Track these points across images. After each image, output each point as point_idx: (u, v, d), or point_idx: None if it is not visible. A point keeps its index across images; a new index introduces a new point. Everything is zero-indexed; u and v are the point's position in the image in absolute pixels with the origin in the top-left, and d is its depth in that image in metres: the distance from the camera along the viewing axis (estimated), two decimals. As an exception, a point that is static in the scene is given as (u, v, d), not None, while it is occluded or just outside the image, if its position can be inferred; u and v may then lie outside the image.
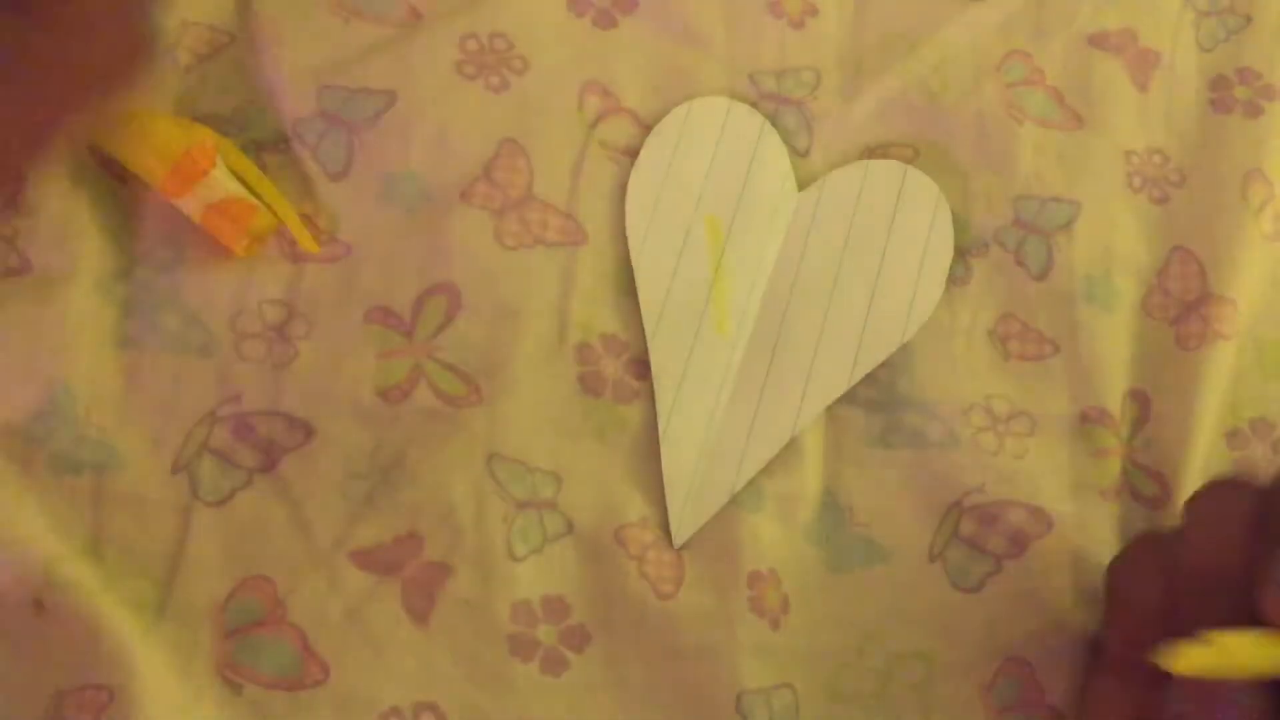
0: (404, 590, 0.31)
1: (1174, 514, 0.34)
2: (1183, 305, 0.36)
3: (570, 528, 0.32)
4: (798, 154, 0.37)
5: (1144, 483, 0.35)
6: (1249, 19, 0.39)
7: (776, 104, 0.37)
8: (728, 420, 0.33)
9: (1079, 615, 0.33)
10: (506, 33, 0.36)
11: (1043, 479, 0.34)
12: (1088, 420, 0.35)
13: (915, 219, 0.36)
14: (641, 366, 0.34)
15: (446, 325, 0.33)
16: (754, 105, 0.37)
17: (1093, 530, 0.34)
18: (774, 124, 0.37)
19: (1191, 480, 0.34)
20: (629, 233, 0.34)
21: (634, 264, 0.34)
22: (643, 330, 0.34)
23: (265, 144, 0.34)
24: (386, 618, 0.30)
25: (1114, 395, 0.35)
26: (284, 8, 0.35)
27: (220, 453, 0.31)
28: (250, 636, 0.30)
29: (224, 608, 0.30)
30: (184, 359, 0.32)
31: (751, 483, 0.33)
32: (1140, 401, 0.35)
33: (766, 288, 0.35)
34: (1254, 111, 0.38)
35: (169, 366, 0.32)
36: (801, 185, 0.37)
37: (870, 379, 0.35)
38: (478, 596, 0.31)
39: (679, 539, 0.32)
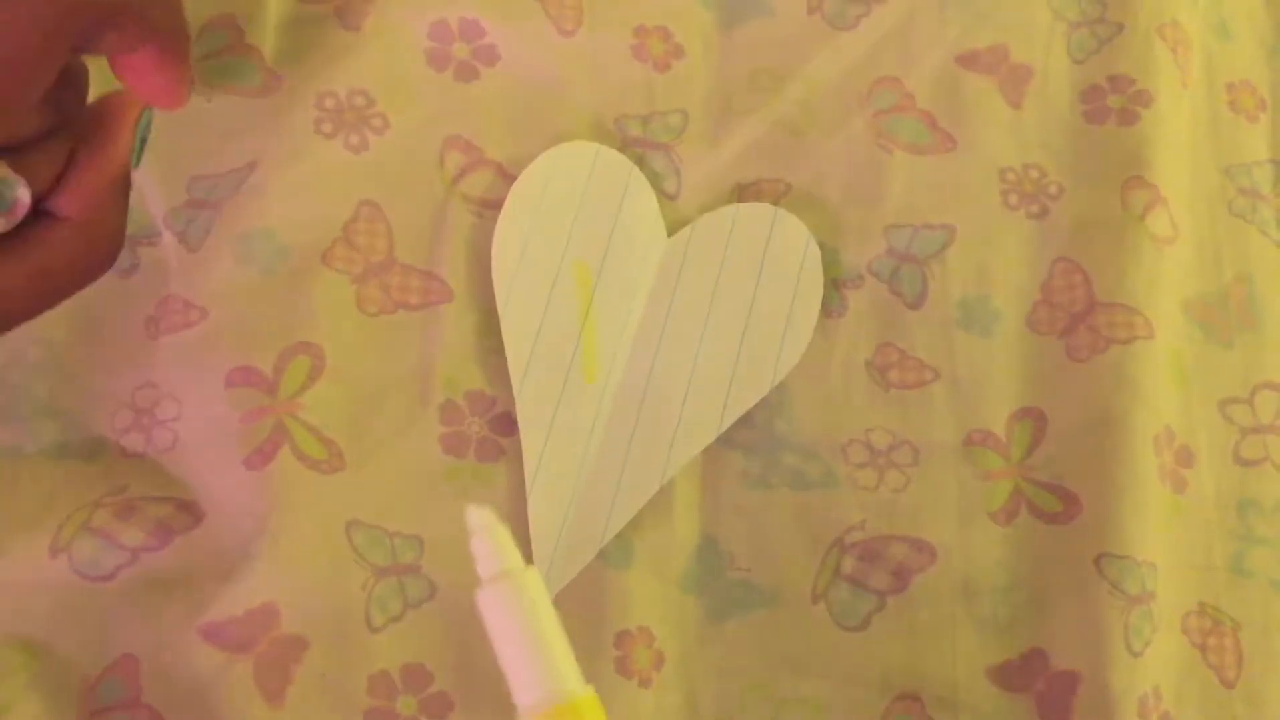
0: (256, 668, 0.30)
1: (1086, 525, 0.33)
2: (1070, 317, 0.36)
3: (433, 592, 0.31)
4: (667, 197, 0.37)
5: (1046, 500, 0.34)
6: (1121, 26, 0.39)
7: (644, 149, 0.37)
8: (596, 471, 0.33)
9: (970, 644, 0.32)
10: (366, 89, 0.36)
11: (925, 510, 0.34)
12: (972, 444, 0.34)
13: (785, 261, 0.36)
14: (508, 422, 0.34)
15: (310, 386, 0.33)
16: (621, 151, 0.37)
17: (979, 556, 0.33)
18: (642, 168, 0.37)
19: (1112, 489, 0.33)
20: (495, 283, 0.34)
21: (500, 315, 0.34)
22: (509, 383, 0.34)
23: (138, 238, 0.34)
24: (238, 697, 0.30)
25: (999, 417, 0.35)
26: None
27: (102, 533, 0.31)
28: (110, 717, 0.30)
29: (94, 687, 0.30)
30: (67, 465, 0.32)
31: (621, 537, 0.33)
32: (1035, 419, 0.35)
33: (636, 334, 0.35)
34: (1129, 119, 0.38)
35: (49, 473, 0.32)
36: (671, 228, 0.37)
37: (747, 420, 0.34)
38: (333, 671, 0.30)
39: (549, 593, 0.32)
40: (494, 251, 0.35)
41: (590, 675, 0.31)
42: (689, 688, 0.32)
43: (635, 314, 0.35)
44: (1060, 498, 0.34)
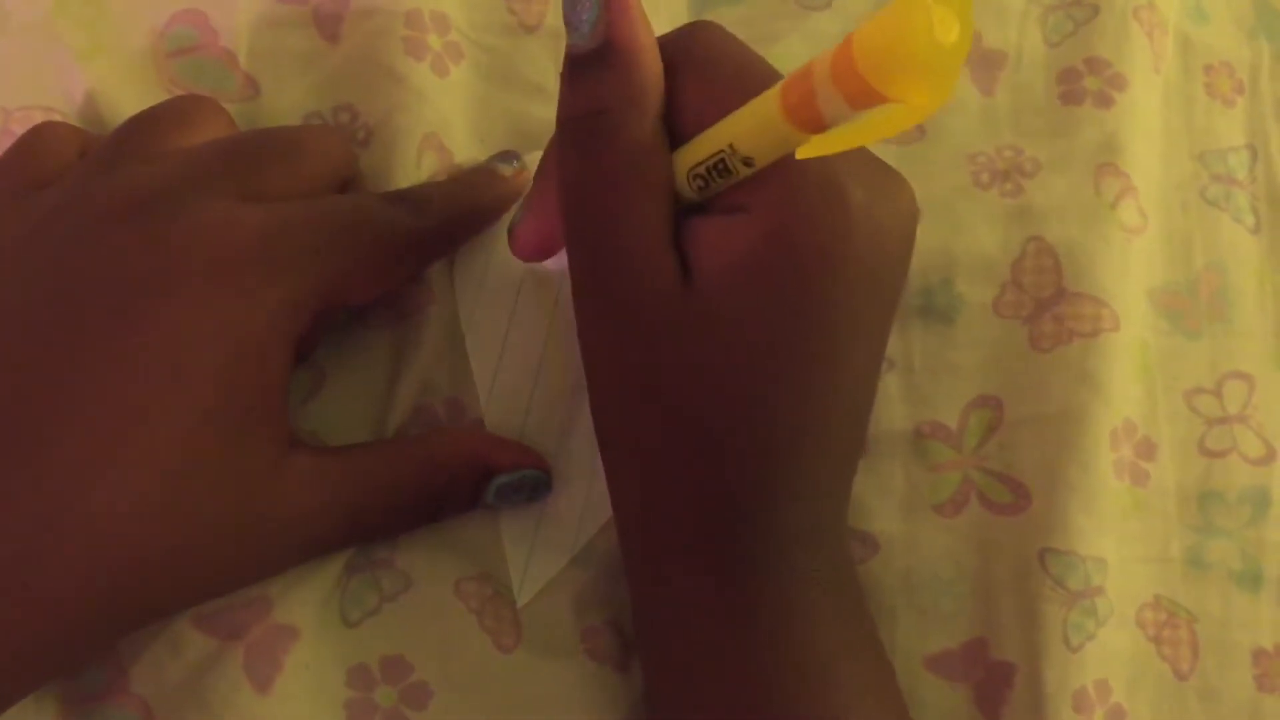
0: (246, 655, 0.32)
1: (1033, 519, 0.35)
2: (1036, 303, 0.37)
3: (409, 584, 0.33)
4: (634, 190, 0.37)
5: (997, 490, 0.35)
6: (1096, 9, 0.39)
7: (610, 142, 0.38)
8: (566, 478, 0.35)
9: (910, 634, 0.34)
10: (350, 103, 0.37)
11: (870, 501, 0.36)
12: (922, 436, 0.35)
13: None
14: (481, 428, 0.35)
15: (310, 399, 0.35)
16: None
17: (924, 548, 0.35)
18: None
19: (1062, 484, 0.34)
20: (458, 296, 0.36)
21: (464, 326, 0.35)
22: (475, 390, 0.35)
23: None
24: (226, 684, 0.32)
25: (953, 407, 0.36)
26: (117, 83, 0.36)
27: None
28: (93, 707, 0.32)
29: (77, 675, 0.32)
30: None
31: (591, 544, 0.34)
32: (992, 407, 0.35)
33: None
34: (1105, 102, 0.38)
35: None
36: (639, 221, 0.37)
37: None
38: (316, 663, 0.32)
39: (523, 599, 0.34)
40: (457, 262, 0.36)
41: (566, 664, 0.33)
42: None
43: None
44: (1010, 489, 0.35)
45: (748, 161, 0.25)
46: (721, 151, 0.26)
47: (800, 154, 0.22)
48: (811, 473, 0.28)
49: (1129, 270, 0.37)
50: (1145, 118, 0.38)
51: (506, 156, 0.36)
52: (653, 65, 0.28)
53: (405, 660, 0.33)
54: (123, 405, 0.27)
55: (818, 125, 0.23)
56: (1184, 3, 0.41)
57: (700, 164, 0.26)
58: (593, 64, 0.27)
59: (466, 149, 0.37)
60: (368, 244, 0.31)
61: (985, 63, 0.39)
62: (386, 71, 0.37)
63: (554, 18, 0.39)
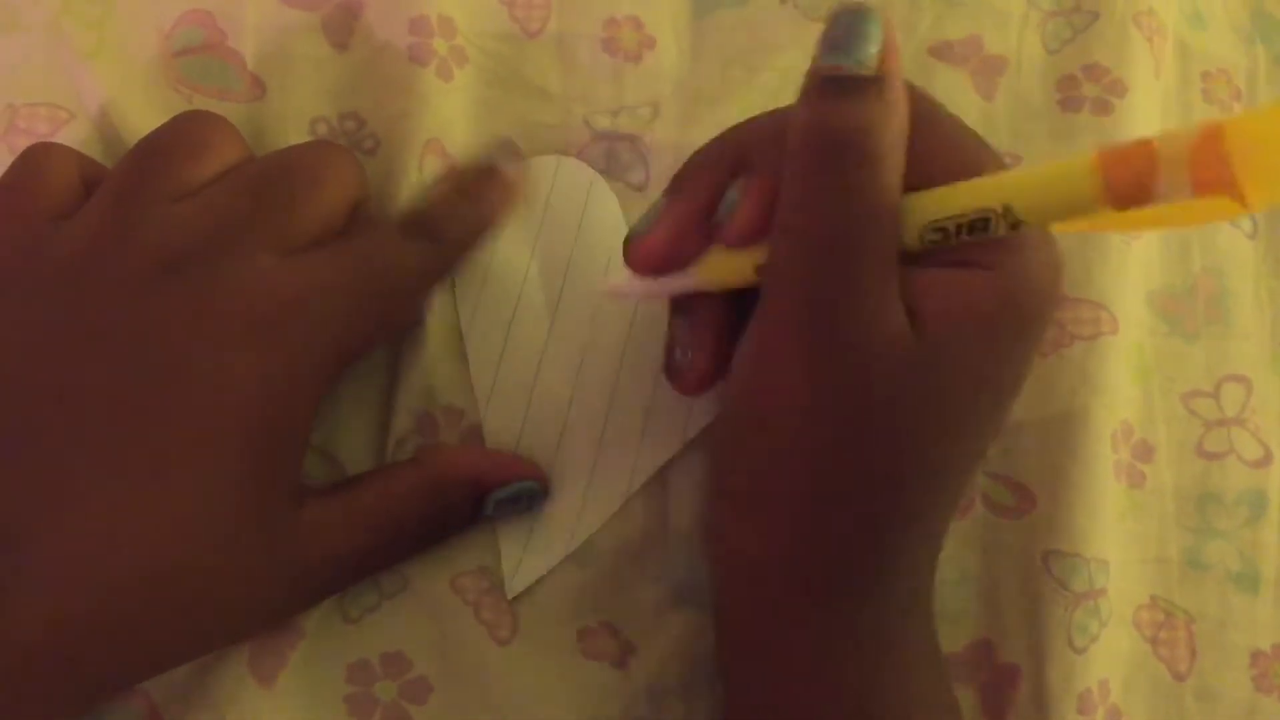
0: (252, 651, 0.33)
1: (1037, 521, 0.35)
2: None
3: (406, 584, 0.33)
4: (634, 189, 0.38)
5: (1000, 493, 0.35)
6: (1096, 15, 0.40)
7: (610, 142, 0.38)
8: (562, 482, 0.35)
9: None
10: (356, 111, 0.37)
11: None
12: None
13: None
14: (476, 435, 0.36)
15: None
16: (588, 146, 0.38)
17: None
18: (609, 160, 0.38)
19: (1065, 486, 0.35)
20: (458, 300, 0.36)
21: (464, 332, 0.36)
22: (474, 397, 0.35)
23: None
24: (232, 680, 0.32)
25: None
26: (124, 82, 0.37)
27: None
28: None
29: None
30: None
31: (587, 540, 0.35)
32: None
33: (600, 345, 0.36)
34: (1103, 109, 0.39)
35: None
36: (639, 224, 0.38)
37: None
38: (316, 659, 0.33)
39: (513, 591, 0.34)
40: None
41: (562, 659, 0.33)
42: (660, 669, 0.35)
43: (598, 321, 0.36)
44: (1012, 492, 0.35)
45: (1016, 225, 0.25)
46: (988, 209, 0.25)
47: (1097, 226, 0.23)
48: (939, 530, 0.30)
49: (1127, 273, 0.37)
50: (1144, 123, 0.39)
51: (506, 148, 0.36)
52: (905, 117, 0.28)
53: (405, 656, 0.34)
54: (150, 463, 0.27)
55: (1139, 202, 0.22)
56: (1182, 9, 0.42)
57: (950, 218, 0.26)
58: (865, 90, 0.27)
59: (469, 154, 0.37)
60: (398, 292, 0.32)
61: (986, 68, 0.40)
62: (393, 80, 0.37)
63: (556, 24, 0.40)
